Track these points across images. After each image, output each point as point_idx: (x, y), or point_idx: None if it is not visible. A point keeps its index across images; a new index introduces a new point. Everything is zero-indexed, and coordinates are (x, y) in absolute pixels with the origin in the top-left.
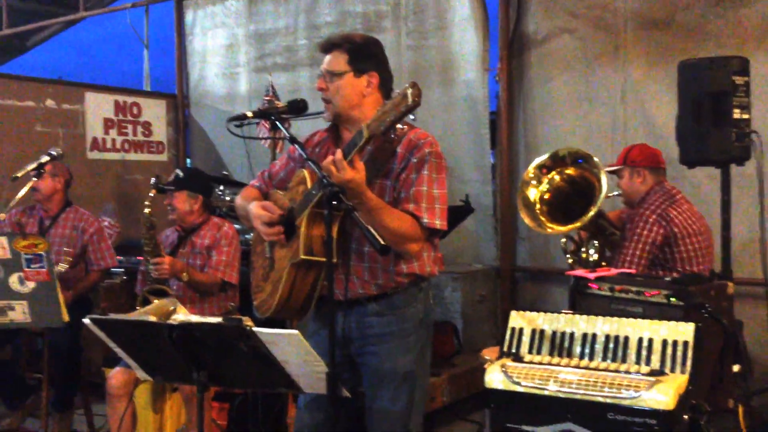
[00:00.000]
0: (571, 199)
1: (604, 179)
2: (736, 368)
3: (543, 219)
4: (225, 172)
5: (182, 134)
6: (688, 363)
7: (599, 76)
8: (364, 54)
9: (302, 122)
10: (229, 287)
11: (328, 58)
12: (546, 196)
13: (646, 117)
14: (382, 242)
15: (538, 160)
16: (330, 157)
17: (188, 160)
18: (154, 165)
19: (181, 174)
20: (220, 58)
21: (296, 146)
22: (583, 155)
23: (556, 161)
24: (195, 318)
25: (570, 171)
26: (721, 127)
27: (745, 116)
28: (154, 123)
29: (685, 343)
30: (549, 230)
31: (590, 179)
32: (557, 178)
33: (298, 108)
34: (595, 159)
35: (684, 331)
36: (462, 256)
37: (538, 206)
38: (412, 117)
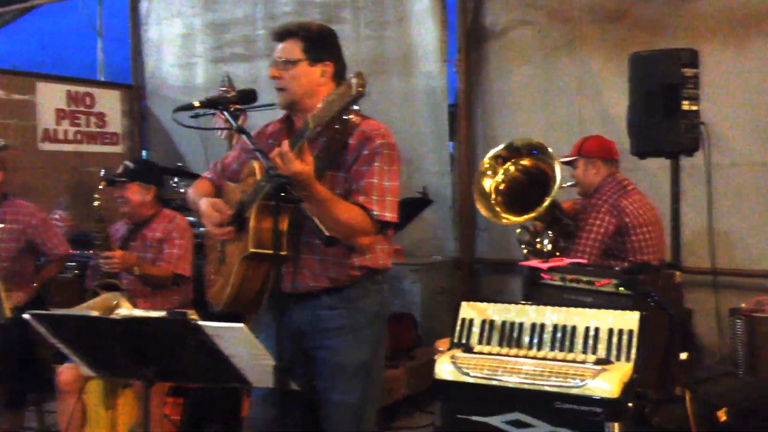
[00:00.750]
0: (526, 190)
1: (558, 170)
2: (684, 356)
3: (498, 209)
4: (180, 164)
5: (138, 125)
6: (633, 351)
7: (557, 67)
8: (320, 43)
9: (263, 114)
10: (183, 280)
11: (282, 45)
12: (501, 187)
13: (602, 108)
14: (327, 233)
15: (493, 151)
16: (277, 149)
17: (144, 152)
18: (109, 156)
19: (131, 165)
20: (176, 47)
21: (244, 137)
22: (537, 146)
23: (512, 152)
24: (139, 312)
25: (525, 162)
26: (671, 118)
27: (695, 108)
28: (109, 114)
29: (630, 332)
30: (504, 221)
31: (545, 170)
32: (512, 168)
33: (248, 98)
34: (550, 150)
35: (629, 320)
36: (422, 248)
37: (493, 197)
38: (356, 107)
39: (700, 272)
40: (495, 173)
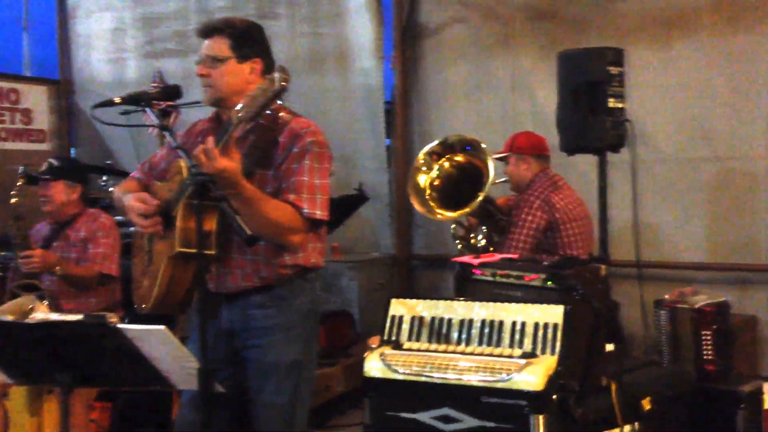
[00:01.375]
0: (460, 186)
1: (491, 166)
2: (610, 347)
3: (433, 205)
4: (109, 162)
5: (66, 122)
6: (558, 344)
7: (490, 65)
8: (247, 40)
9: (199, 110)
10: (109, 280)
11: (208, 42)
12: (436, 183)
13: (534, 105)
14: (249, 233)
15: (428, 147)
16: (201, 146)
17: (72, 150)
18: (36, 154)
19: (56, 163)
20: (105, 42)
21: (167, 134)
22: (471, 142)
23: (446, 148)
24: (55, 316)
25: (459, 158)
26: (597, 115)
27: (620, 105)
28: (35, 110)
29: (555, 326)
30: (439, 216)
31: (478, 166)
32: (447, 164)
33: (172, 94)
34: (483, 145)
35: (554, 314)
36: (359, 245)
37: (428, 192)
38: (280, 101)
39: (627, 265)
40: (430, 169)
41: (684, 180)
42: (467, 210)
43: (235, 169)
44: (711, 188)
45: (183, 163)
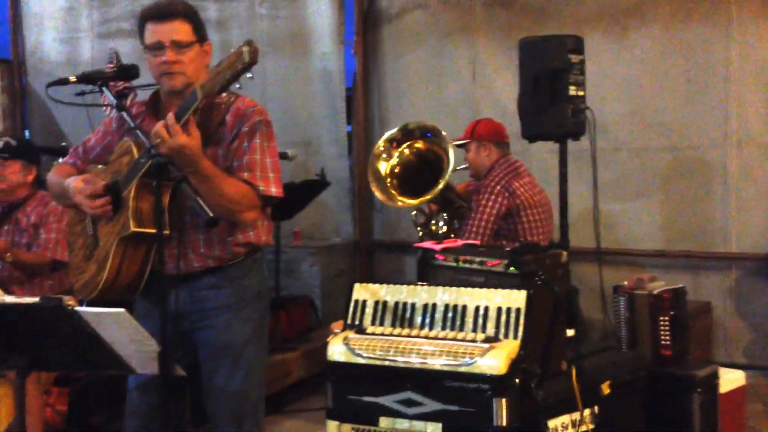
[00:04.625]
0: (420, 172)
1: (451, 153)
2: (570, 332)
3: (393, 192)
4: (64, 143)
5: (19, 103)
6: (521, 329)
7: (450, 52)
8: (201, 22)
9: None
10: (61, 266)
11: (169, 27)
12: (396, 170)
13: (494, 92)
14: (212, 213)
15: (387, 134)
16: (162, 122)
17: (26, 131)
18: None
19: (14, 142)
20: (58, 21)
21: (124, 114)
22: (431, 129)
23: (406, 135)
24: (9, 299)
25: (419, 144)
26: (557, 103)
27: (580, 93)
28: None
29: (518, 310)
30: (399, 203)
31: (438, 153)
32: (407, 151)
33: (129, 74)
34: (443, 133)
35: (517, 299)
36: (320, 231)
37: (388, 180)
38: (249, 75)
39: (586, 251)
40: (390, 156)
41: (640, 168)
42: (428, 197)
43: (197, 145)
44: (666, 177)
45: (132, 143)
